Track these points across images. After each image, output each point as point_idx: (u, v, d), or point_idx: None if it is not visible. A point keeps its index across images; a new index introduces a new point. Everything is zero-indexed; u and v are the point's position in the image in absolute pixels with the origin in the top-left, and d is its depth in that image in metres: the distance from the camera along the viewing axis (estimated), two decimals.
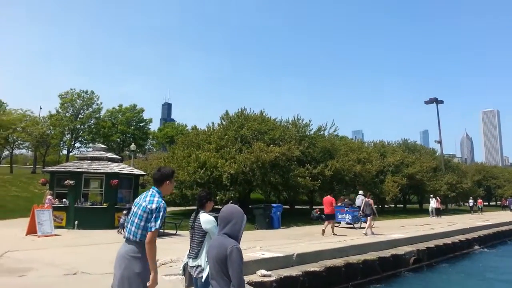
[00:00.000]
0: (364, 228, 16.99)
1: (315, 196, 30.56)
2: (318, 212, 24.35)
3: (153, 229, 3.72)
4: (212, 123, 27.09)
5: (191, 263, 4.48)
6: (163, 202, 3.86)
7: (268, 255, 9.42)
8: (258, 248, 10.76)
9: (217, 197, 19.91)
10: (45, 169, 23.15)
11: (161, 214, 3.76)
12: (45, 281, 7.40)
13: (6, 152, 54.14)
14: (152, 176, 4.31)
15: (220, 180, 20.85)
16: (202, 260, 4.34)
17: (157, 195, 3.89)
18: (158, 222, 3.74)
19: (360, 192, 20.07)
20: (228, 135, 23.88)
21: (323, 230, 15.66)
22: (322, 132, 29.40)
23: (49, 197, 16.17)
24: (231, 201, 18.05)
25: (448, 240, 16.01)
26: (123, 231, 8.82)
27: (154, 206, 3.78)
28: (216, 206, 17.76)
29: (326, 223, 16.14)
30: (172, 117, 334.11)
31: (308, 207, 29.86)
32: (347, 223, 20.36)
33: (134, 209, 3.93)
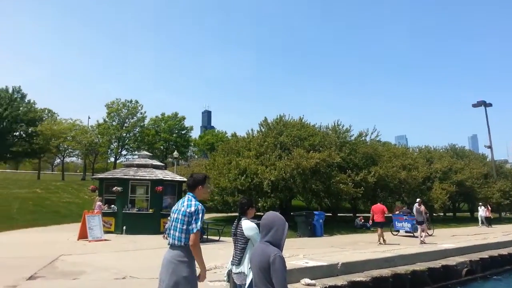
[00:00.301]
0: (421, 236, 16.52)
1: (358, 203, 29.87)
2: (362, 220, 23.80)
3: (195, 231, 3.87)
4: (252, 130, 27.34)
5: (234, 269, 4.51)
6: (201, 204, 4.03)
7: (311, 263, 9.28)
8: (301, 256, 10.63)
9: (259, 204, 19.95)
10: (94, 176, 24.25)
11: (200, 216, 3.92)
12: (96, 284, 7.70)
13: (57, 160, 57.41)
14: (186, 183, 4.50)
15: (261, 187, 20.89)
16: (245, 267, 4.37)
17: (193, 199, 4.06)
18: (199, 223, 3.89)
19: (418, 200, 19.55)
20: (267, 141, 23.94)
21: (381, 237, 15.64)
22: (363, 138, 28.74)
23: (99, 203, 16.89)
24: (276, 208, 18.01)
25: (504, 251, 15.05)
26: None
27: (193, 209, 3.94)
28: (258, 213, 17.81)
29: (379, 230, 15.86)
30: (212, 124, 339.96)
31: (351, 214, 29.23)
32: (406, 232, 19.97)
33: (173, 215, 4.08)
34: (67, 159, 55.04)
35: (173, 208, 4.18)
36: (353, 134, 28.26)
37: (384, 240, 15.68)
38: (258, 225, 4.24)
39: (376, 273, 9.74)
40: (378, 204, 16.73)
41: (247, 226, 4.50)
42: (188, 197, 4.11)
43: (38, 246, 12.89)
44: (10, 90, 48.35)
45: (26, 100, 49.40)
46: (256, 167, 21.54)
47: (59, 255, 10.65)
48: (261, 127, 27.17)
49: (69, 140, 44.77)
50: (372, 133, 29.39)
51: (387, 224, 17.95)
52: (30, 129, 46.37)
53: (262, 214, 14.13)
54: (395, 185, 25.96)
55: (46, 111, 53.06)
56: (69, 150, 48.01)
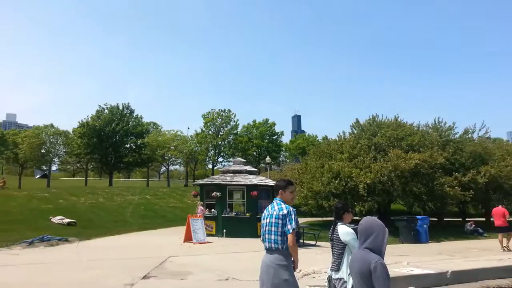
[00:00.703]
0: None
1: (467, 207, 27.22)
2: (473, 225, 21.63)
3: (291, 231, 4.02)
4: (343, 132, 26.75)
5: (334, 275, 4.48)
6: (291, 207, 4.18)
7: (417, 271, 8.69)
8: (405, 264, 10.02)
9: (356, 209, 19.37)
10: (195, 183, 25.91)
11: (293, 216, 4.07)
12: (202, 285, 8.20)
13: (163, 168, 62.58)
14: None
15: (357, 191, 20.24)
16: (344, 273, 4.32)
17: (281, 203, 4.23)
18: (293, 223, 4.04)
19: None
20: (360, 143, 23.14)
21: (502, 243, 14.33)
22: (469, 135, 26.15)
23: (201, 207, 18.00)
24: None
25: None
26: None
27: (285, 211, 4.10)
28: (355, 217, 17.27)
29: (500, 236, 14.43)
30: (302, 128, 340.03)
31: (459, 219, 26.75)
32: None
33: (266, 220, 4.24)
34: (171, 167, 59.79)
35: (264, 214, 4.36)
36: (457, 132, 25.94)
37: (507, 246, 14.21)
38: (354, 230, 4.18)
39: (493, 283, 8.76)
40: (499, 206, 15.36)
41: (343, 231, 4.46)
42: (276, 201, 4.28)
43: (149, 248, 14.15)
44: (121, 107, 54.23)
45: (134, 115, 55.01)
46: (350, 170, 20.96)
47: (168, 257, 11.57)
48: (353, 129, 26.41)
49: (172, 150, 48.65)
50: (480, 130, 26.63)
51: (510, 229, 16.15)
52: (139, 141, 51.42)
53: (359, 219, 13.69)
54: (510, 186, 23.11)
55: (152, 124, 58.38)
56: (173, 158, 52.10)
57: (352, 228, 4.50)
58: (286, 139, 73.95)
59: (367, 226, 2.98)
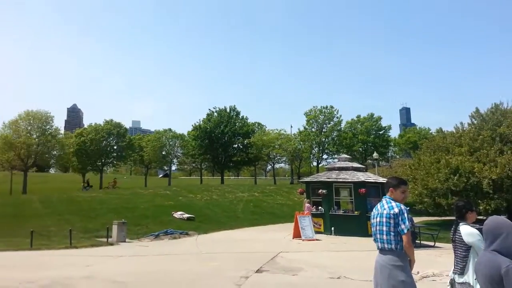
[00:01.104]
0: None
1: None
2: None
3: (405, 231, 3.86)
4: (461, 123, 24.29)
5: (457, 279, 4.20)
6: (402, 205, 3.99)
7: None
8: None
9: (480, 207, 17.51)
10: (300, 180, 26.17)
11: (405, 215, 3.88)
12: (314, 281, 8.29)
13: (269, 167, 64.40)
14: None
15: (480, 187, 18.25)
16: (470, 277, 4.03)
17: (392, 201, 4.05)
18: (407, 223, 3.87)
19: None
20: (482, 135, 20.77)
21: None
22: None
23: (307, 205, 18.11)
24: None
25: None
26: None
27: (396, 210, 3.93)
28: (479, 217, 15.61)
29: None
30: (412, 121, 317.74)
31: None
32: None
33: (376, 220, 4.09)
34: (277, 165, 61.16)
35: (373, 212, 4.23)
36: None
37: None
38: (479, 230, 3.85)
39: None
40: None
41: (467, 231, 4.15)
42: (386, 200, 4.13)
43: (260, 243, 14.74)
44: (228, 110, 57.37)
45: (240, 117, 57.71)
46: (471, 164, 18.98)
47: (278, 252, 11.92)
48: (472, 119, 23.86)
49: (276, 148, 49.85)
50: None
51: None
52: (245, 141, 53.81)
53: (484, 218, 12.34)
54: None
55: (256, 124, 60.54)
56: (278, 157, 53.37)
57: (476, 229, 4.17)
58: (394, 133, 69.74)
59: (494, 226, 2.75)
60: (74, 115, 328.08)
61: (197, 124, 56.76)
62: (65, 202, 24.08)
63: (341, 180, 18.13)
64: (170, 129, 59.45)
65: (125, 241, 14.57)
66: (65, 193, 31.80)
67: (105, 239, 14.34)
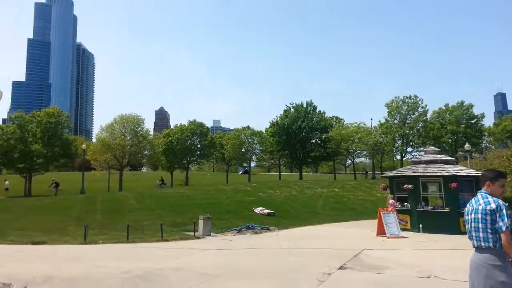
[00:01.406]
0: None
1: None
2: None
3: (504, 229, 3.57)
4: None
5: None
6: (501, 200, 3.70)
7: None
8: None
9: None
10: (383, 175, 25.07)
11: (504, 211, 3.61)
12: (401, 280, 7.91)
13: (348, 161, 62.80)
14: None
15: None
16: None
17: (488, 196, 3.77)
18: (505, 220, 3.58)
19: None
20: None
21: None
22: None
23: (391, 200, 17.30)
24: None
25: None
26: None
27: (493, 205, 3.67)
28: None
29: None
30: (509, 108, 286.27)
31: None
32: None
33: (470, 216, 3.84)
34: (357, 160, 59.36)
35: (467, 208, 3.96)
36: None
37: None
38: None
39: None
40: None
41: None
42: (481, 194, 3.85)
43: (342, 239, 14.45)
44: (305, 105, 57.04)
45: (317, 111, 57.04)
46: None
47: (362, 249, 11.58)
48: None
49: (356, 142, 48.38)
50: None
51: None
52: (323, 136, 53.06)
53: None
54: None
55: (334, 118, 59.33)
56: (357, 151, 51.76)
57: None
58: (488, 122, 63.61)
59: None
60: (161, 117, 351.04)
61: (274, 120, 57.38)
62: (156, 198, 25.96)
63: (428, 174, 17.05)
64: (248, 127, 60.86)
65: (210, 235, 15.28)
66: (153, 190, 34.30)
67: (192, 233, 15.19)
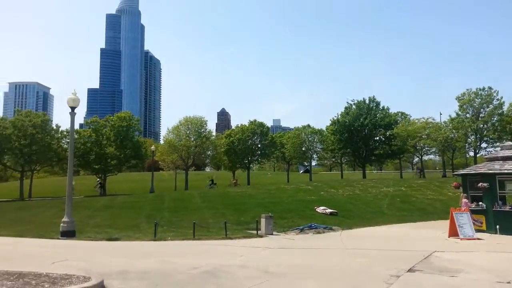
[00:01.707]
0: None
1: None
2: None
3: None
4: None
5: None
6: None
7: None
8: None
9: None
10: (455, 173, 23.51)
11: None
12: (478, 285, 7.42)
13: (416, 159, 59.70)
14: None
15: None
16: None
17: None
18: None
19: None
20: None
21: None
22: None
23: (465, 200, 16.19)
24: None
25: None
26: None
27: None
28: None
29: None
30: None
31: None
32: None
33: None
34: (425, 157, 56.24)
35: None
36: None
37: None
38: None
39: None
40: None
41: None
42: None
43: (410, 240, 13.83)
44: (367, 101, 55.21)
45: (380, 107, 54.94)
46: None
47: (432, 251, 10.99)
48: None
49: (424, 139, 45.82)
50: None
51: None
52: (387, 133, 50.98)
53: None
54: None
55: (399, 114, 56.74)
56: (426, 148, 49.02)
57: None
58: None
59: None
60: (223, 118, 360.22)
61: (335, 118, 56.23)
62: (220, 196, 26.70)
63: (506, 171, 15.73)
64: (308, 125, 60.30)
65: (272, 234, 15.41)
66: (217, 189, 35.31)
67: (255, 231, 15.43)
